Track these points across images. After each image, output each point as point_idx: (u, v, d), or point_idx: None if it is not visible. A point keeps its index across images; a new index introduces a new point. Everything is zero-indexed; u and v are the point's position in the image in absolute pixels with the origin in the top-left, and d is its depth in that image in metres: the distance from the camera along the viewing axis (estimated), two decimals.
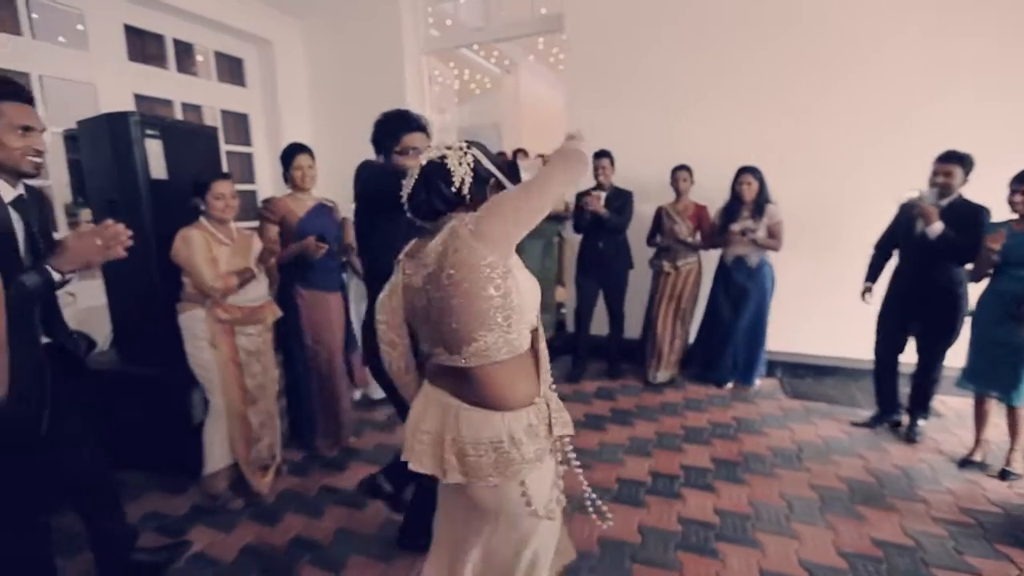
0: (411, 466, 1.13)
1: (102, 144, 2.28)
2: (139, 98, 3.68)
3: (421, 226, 1.17)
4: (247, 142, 4.59)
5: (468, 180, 1.10)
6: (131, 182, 2.24)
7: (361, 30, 4.46)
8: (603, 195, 3.42)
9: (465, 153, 1.12)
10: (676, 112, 3.74)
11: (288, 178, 2.65)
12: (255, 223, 4.46)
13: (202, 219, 2.19)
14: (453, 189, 1.10)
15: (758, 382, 3.47)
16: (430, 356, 1.17)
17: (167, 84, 3.88)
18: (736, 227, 3.23)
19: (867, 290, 2.93)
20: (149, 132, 2.26)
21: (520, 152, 4.61)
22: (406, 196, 1.12)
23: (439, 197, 1.10)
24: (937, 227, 2.47)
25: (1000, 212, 2.40)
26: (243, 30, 4.23)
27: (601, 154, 3.46)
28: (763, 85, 3.53)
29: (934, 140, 2.68)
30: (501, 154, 4.87)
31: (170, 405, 2.41)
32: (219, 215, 2.18)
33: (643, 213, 3.64)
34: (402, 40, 4.36)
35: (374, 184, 1.72)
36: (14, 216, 1.54)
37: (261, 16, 4.32)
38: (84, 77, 3.39)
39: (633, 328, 3.79)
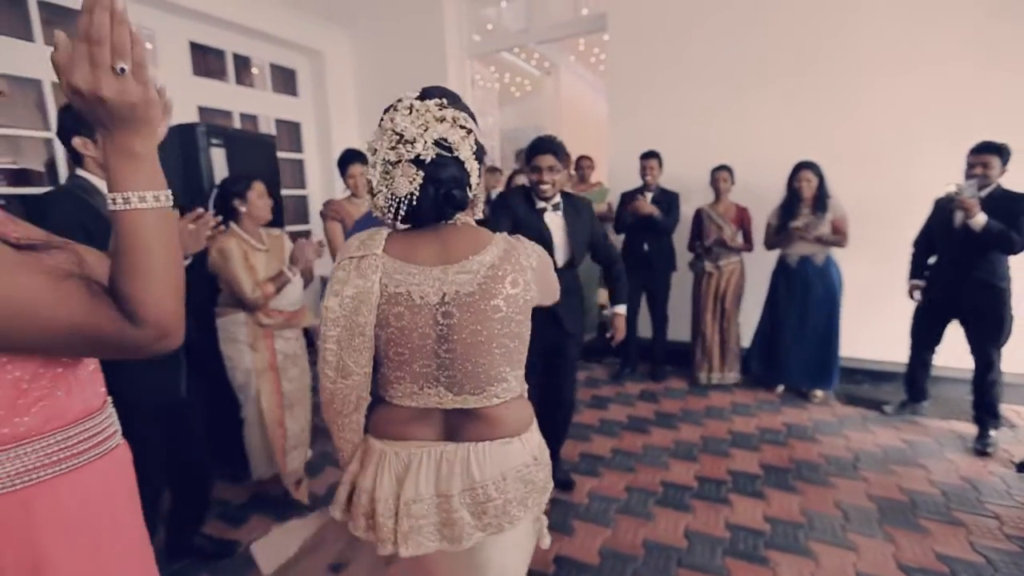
0: (408, 552, 0.87)
1: (171, 153, 2.45)
2: (202, 109, 3.92)
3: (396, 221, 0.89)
4: (299, 149, 4.81)
5: (477, 173, 0.90)
6: (198, 187, 2.40)
7: (406, 37, 4.59)
8: (648, 196, 3.38)
9: (469, 132, 0.87)
10: (717, 111, 3.66)
11: (345, 182, 2.74)
12: (304, 226, 4.67)
13: (233, 226, 2.14)
14: (470, 193, 0.90)
15: (820, 392, 3.32)
16: (395, 398, 0.91)
17: (227, 96, 4.12)
18: (799, 223, 3.08)
19: (915, 288, 2.90)
20: (214, 141, 2.42)
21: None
22: (398, 198, 0.85)
23: (451, 203, 0.87)
24: (981, 219, 2.43)
25: None
26: (296, 42, 4.44)
27: (649, 154, 3.42)
28: (806, 81, 3.41)
29: (993, 134, 2.53)
30: None
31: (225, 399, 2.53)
32: (259, 214, 2.17)
33: (684, 215, 3.58)
34: (445, 45, 4.46)
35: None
36: None
37: (312, 28, 4.52)
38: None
39: (677, 331, 3.73)
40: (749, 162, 3.51)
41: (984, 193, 2.49)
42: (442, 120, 0.84)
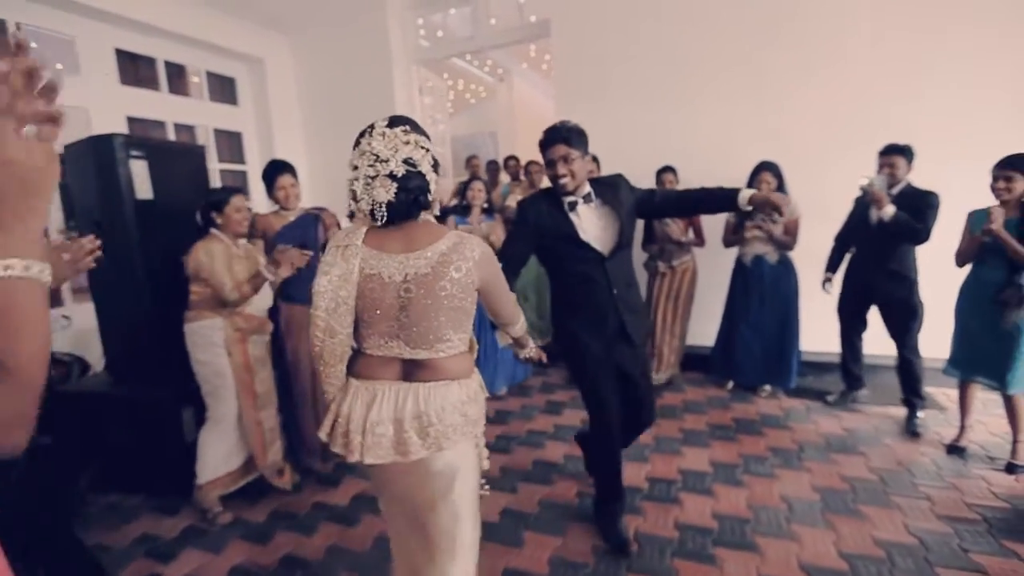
0: (369, 460, 1.15)
1: (87, 166, 2.30)
2: (132, 120, 3.72)
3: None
4: (241, 160, 4.63)
5: (434, 182, 1.20)
6: (116, 203, 2.26)
7: (349, 43, 4.50)
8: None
9: (427, 151, 1.18)
10: (664, 112, 3.73)
11: (272, 197, 2.64)
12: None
13: (216, 232, 2.24)
14: (430, 197, 1.20)
15: (767, 387, 3.41)
16: (367, 349, 1.21)
17: (159, 106, 3.93)
18: (755, 222, 3.16)
19: (827, 280, 3.10)
20: (134, 153, 2.28)
21: (512, 159, 4.61)
22: (378, 203, 1.13)
23: (417, 206, 1.18)
24: (889, 210, 2.63)
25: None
26: (233, 49, 4.28)
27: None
28: (752, 80, 3.53)
29: (930, 134, 2.71)
30: (493, 161, 4.88)
31: (162, 425, 2.40)
32: (236, 228, 2.25)
33: None
34: (390, 51, 4.39)
35: None
36: None
37: (251, 35, 4.37)
38: (76, 101, 3.43)
39: None
40: (698, 161, 3.58)
41: (896, 190, 2.72)
42: (407, 143, 1.14)
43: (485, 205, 3.55)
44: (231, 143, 4.58)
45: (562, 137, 1.77)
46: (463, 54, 4.54)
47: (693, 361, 3.71)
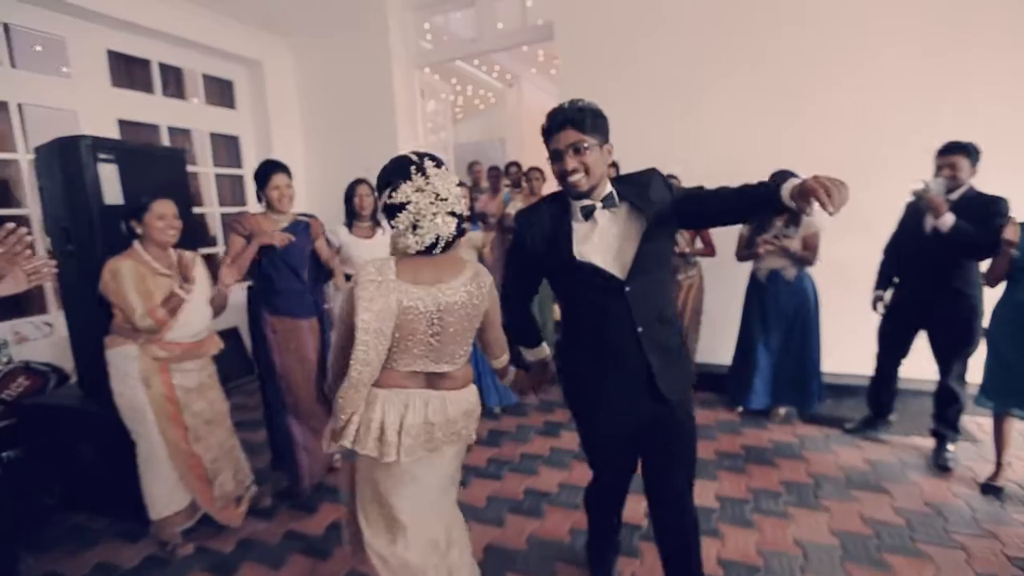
0: (406, 458, 1.28)
1: (55, 170, 2.18)
2: (123, 124, 3.64)
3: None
4: (238, 164, 4.54)
5: None
6: (82, 208, 2.13)
7: (349, 45, 4.39)
8: None
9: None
10: (670, 118, 3.55)
11: (262, 198, 2.47)
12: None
13: (136, 246, 2.01)
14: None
15: (781, 410, 3.18)
16: (395, 366, 1.31)
17: (153, 109, 3.84)
18: (767, 236, 2.92)
19: (878, 299, 2.79)
20: (102, 156, 2.15)
21: (513, 165, 4.45)
22: (441, 237, 1.25)
23: (460, 237, 1.31)
24: (948, 219, 2.28)
25: None
26: (231, 52, 4.19)
27: None
28: (762, 84, 3.33)
29: (962, 136, 2.44)
30: (510, 165, 4.70)
31: (127, 445, 2.26)
32: (159, 238, 2.00)
33: None
34: (390, 54, 4.27)
35: None
36: None
37: (249, 37, 4.29)
38: (65, 104, 3.35)
39: None
40: (707, 170, 3.37)
41: (956, 196, 2.37)
42: (458, 184, 1.30)
43: (467, 213, 3.36)
44: (228, 147, 4.49)
45: (570, 119, 1.32)
46: (468, 57, 4.41)
47: (704, 381, 3.48)
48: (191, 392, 2.08)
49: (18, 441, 2.49)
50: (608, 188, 1.40)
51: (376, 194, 2.87)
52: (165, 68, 3.93)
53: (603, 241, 1.38)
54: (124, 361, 1.99)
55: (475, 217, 3.55)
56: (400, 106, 4.37)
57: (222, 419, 2.24)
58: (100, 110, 3.48)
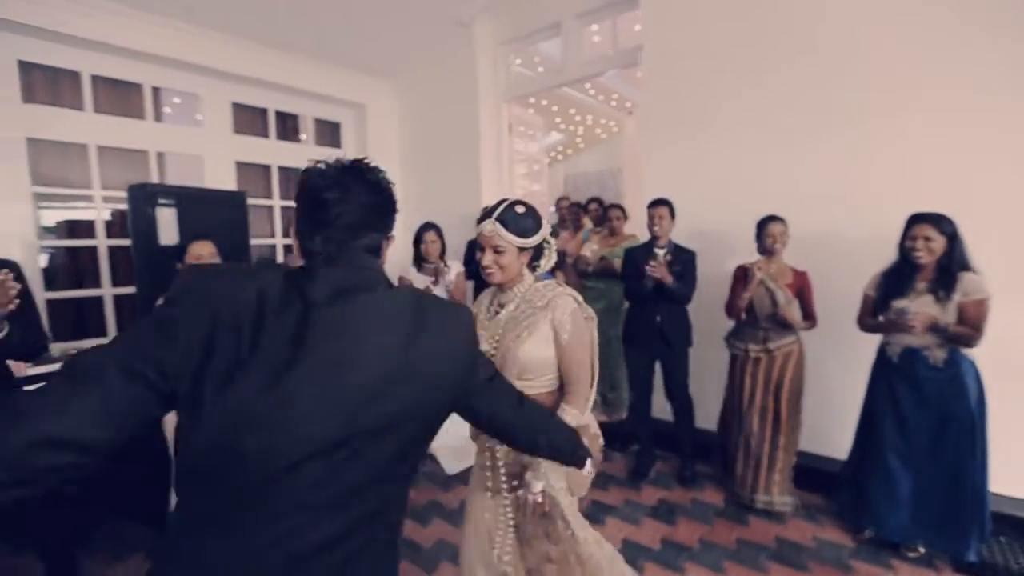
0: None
1: (132, 213, 2.45)
2: (239, 165, 4.11)
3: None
4: None
5: None
6: (141, 248, 2.35)
7: (441, 83, 4.49)
8: (661, 254, 2.73)
9: None
10: (771, 151, 2.90)
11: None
12: None
13: None
14: None
15: (921, 548, 2.29)
16: None
17: (266, 151, 4.30)
18: (902, 304, 2.16)
19: None
20: (162, 201, 2.37)
21: (593, 202, 4.06)
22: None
23: None
24: None
25: None
26: (339, 97, 4.54)
27: (658, 202, 2.79)
28: (884, 121, 2.54)
29: None
30: (590, 201, 4.35)
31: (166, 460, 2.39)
32: None
33: (719, 275, 2.84)
34: (477, 89, 4.25)
35: None
36: None
37: (355, 82, 4.61)
38: (195, 150, 3.88)
39: (709, 417, 2.94)
40: (813, 211, 2.70)
41: None
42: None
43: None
44: None
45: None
46: (553, 87, 4.18)
47: (807, 477, 2.71)
48: None
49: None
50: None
51: (442, 240, 3.01)
52: (280, 114, 4.38)
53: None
54: None
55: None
56: (485, 140, 4.30)
57: None
58: (222, 154, 3.98)
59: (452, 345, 0.85)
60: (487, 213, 1.33)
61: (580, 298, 1.41)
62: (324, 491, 0.72)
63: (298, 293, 0.74)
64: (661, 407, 2.99)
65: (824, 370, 2.71)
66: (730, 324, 2.75)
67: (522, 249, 1.34)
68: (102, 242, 3.32)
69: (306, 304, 0.73)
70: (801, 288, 2.54)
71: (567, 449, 1.13)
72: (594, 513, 2.65)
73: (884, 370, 2.32)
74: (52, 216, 3.25)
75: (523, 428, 1.04)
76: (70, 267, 3.31)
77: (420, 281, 3.05)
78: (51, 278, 3.22)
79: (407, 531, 2.51)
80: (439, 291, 3.02)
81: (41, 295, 3.07)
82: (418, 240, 3.10)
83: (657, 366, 2.93)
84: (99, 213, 3.32)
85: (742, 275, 2.66)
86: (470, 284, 3.75)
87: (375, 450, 0.76)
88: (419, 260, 3.15)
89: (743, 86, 2.97)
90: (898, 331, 2.21)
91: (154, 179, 3.65)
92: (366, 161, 0.85)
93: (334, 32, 3.97)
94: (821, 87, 2.74)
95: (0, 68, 2.98)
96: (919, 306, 2.13)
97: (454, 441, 3.04)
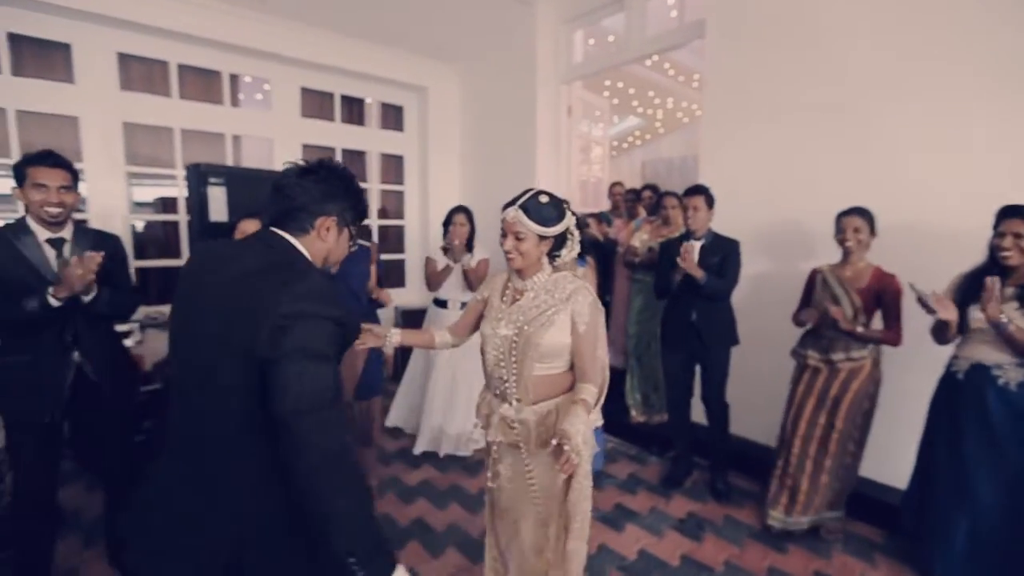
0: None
1: (189, 192, 2.66)
2: (305, 147, 4.33)
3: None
4: (400, 181, 5.00)
5: None
6: (197, 223, 2.54)
7: (502, 65, 4.41)
8: (697, 246, 2.48)
9: None
10: (848, 137, 2.51)
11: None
12: (400, 255, 4.86)
13: None
14: None
15: None
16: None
17: (332, 133, 4.48)
18: (975, 313, 1.87)
19: None
20: (213, 180, 2.54)
21: (647, 189, 3.79)
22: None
23: None
24: None
25: None
26: (403, 81, 4.63)
27: (692, 191, 2.55)
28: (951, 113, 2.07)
29: None
30: (644, 188, 4.12)
31: None
32: None
33: (795, 274, 2.54)
34: (536, 71, 4.12)
35: None
36: (49, 253, 1.79)
37: (418, 66, 4.67)
38: (266, 134, 4.14)
39: (755, 428, 2.68)
40: (900, 206, 2.32)
41: None
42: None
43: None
44: (395, 166, 4.98)
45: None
46: (616, 66, 3.95)
47: (864, 507, 2.39)
48: None
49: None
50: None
51: (471, 224, 2.97)
52: (345, 98, 4.54)
53: None
54: None
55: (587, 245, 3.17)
56: (541, 123, 4.18)
57: None
58: (290, 137, 4.21)
59: None
60: (512, 201, 1.40)
61: (594, 291, 1.48)
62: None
63: None
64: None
65: (895, 386, 2.33)
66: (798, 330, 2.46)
67: (542, 237, 1.39)
68: (182, 217, 3.67)
69: None
70: (880, 293, 2.18)
71: None
72: (615, 518, 2.52)
73: (948, 391, 2.00)
74: (142, 193, 3.63)
75: None
76: (157, 239, 3.70)
77: (443, 261, 3.11)
78: (140, 248, 3.62)
79: (421, 511, 2.55)
80: (456, 271, 3.05)
81: (132, 263, 3.46)
82: (448, 222, 3.10)
83: (697, 367, 2.71)
84: (180, 191, 3.66)
85: (811, 282, 2.37)
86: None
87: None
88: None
89: (821, 60, 2.60)
90: (972, 341, 1.87)
91: (229, 161, 3.95)
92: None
93: (398, 16, 4.02)
94: (920, 65, 2.32)
95: (101, 59, 3.34)
96: (1007, 315, 1.76)
97: (456, 429, 3.05)
